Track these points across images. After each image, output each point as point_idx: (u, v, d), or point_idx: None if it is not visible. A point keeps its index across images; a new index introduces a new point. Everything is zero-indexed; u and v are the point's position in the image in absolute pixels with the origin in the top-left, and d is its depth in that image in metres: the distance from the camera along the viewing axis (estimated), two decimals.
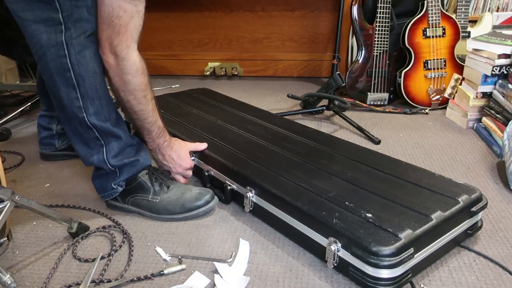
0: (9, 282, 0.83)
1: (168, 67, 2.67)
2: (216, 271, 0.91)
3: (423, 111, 1.92)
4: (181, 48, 2.62)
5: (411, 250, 0.82)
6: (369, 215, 0.89)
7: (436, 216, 0.88)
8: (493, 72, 1.60)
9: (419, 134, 1.67)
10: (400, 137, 1.65)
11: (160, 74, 2.68)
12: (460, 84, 1.84)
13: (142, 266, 0.95)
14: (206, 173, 1.23)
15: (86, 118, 1.03)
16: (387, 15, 1.91)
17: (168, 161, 1.20)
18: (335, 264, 0.89)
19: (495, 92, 1.61)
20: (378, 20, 1.92)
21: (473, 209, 0.95)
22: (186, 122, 1.46)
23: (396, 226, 0.85)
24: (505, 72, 1.59)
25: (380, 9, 1.90)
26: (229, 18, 2.51)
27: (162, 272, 0.91)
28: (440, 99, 1.95)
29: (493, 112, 1.59)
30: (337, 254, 0.88)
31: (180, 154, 1.21)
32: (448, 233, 0.92)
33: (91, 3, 0.96)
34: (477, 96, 1.67)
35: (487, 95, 1.65)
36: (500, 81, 1.60)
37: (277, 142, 1.28)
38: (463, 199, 0.95)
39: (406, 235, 0.83)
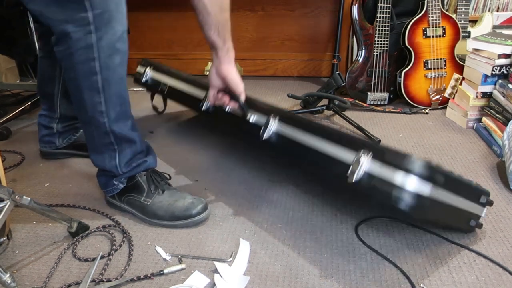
0: (9, 282, 0.83)
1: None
2: (216, 271, 0.91)
3: (423, 111, 1.92)
4: (181, 48, 2.61)
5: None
6: None
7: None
8: (493, 72, 1.60)
9: (419, 134, 1.67)
10: (400, 137, 1.65)
11: None
12: (460, 84, 1.84)
13: (142, 266, 0.95)
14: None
15: (106, 124, 1.03)
16: (387, 15, 1.91)
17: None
18: (358, 179, 0.88)
19: (495, 92, 1.61)
20: (378, 19, 1.91)
21: (481, 200, 0.96)
22: None
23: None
24: (505, 72, 1.59)
25: (380, 8, 1.90)
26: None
27: (162, 272, 0.91)
28: (440, 99, 1.95)
29: (493, 112, 1.59)
30: (364, 168, 0.87)
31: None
32: (458, 195, 0.91)
33: None
34: (477, 96, 1.67)
35: (487, 95, 1.65)
36: (500, 81, 1.59)
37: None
38: (474, 183, 0.97)
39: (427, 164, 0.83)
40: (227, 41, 1.08)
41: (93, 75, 0.97)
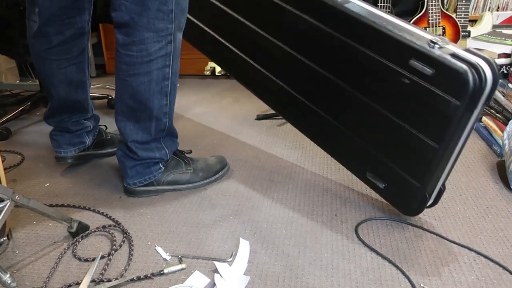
0: (9, 282, 0.83)
1: None
2: (216, 271, 0.91)
3: None
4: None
5: None
6: None
7: None
8: None
9: None
10: None
11: None
12: None
13: (142, 266, 0.95)
14: None
15: (167, 124, 1.14)
16: None
17: None
18: None
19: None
20: None
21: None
22: None
23: None
24: (505, 71, 1.59)
25: (380, 8, 1.90)
26: None
27: (162, 272, 0.91)
28: None
29: (493, 111, 1.59)
30: None
31: None
32: None
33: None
34: None
35: None
36: (500, 80, 1.59)
37: None
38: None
39: None
40: None
41: (165, 80, 1.05)
